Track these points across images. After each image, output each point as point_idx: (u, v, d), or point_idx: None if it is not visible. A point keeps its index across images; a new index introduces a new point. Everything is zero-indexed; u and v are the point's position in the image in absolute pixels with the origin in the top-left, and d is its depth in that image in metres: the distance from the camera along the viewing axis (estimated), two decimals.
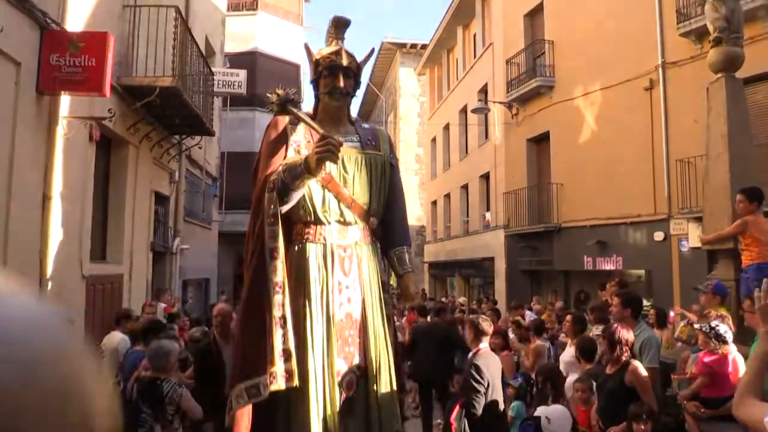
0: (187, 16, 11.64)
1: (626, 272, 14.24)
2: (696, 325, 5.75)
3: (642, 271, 14.58)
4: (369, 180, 3.47)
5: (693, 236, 11.91)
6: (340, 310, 3.32)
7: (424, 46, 30.62)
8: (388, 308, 3.69)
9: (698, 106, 10.38)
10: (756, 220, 6.29)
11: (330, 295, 3.29)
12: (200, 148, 14.22)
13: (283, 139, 3.40)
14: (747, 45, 8.85)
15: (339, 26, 3.55)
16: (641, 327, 5.61)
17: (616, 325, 5.01)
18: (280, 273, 3.14)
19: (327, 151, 2.94)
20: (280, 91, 3.32)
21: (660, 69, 13.76)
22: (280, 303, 3.11)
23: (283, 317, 3.12)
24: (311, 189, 3.32)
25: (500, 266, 20.28)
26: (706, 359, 5.04)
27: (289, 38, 23.62)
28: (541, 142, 18.59)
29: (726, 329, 5.10)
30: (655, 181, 13.54)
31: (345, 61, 3.43)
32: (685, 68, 13.03)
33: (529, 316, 10.88)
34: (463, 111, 24.95)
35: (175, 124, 11.12)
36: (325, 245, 3.34)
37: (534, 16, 19.20)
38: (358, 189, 3.44)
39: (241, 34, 21.79)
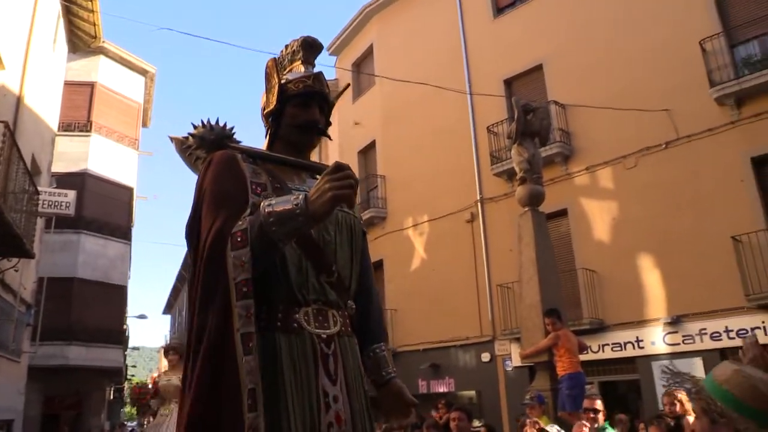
0: (14, 131, 11.16)
1: (458, 394, 14.89)
2: None
3: (473, 392, 15.30)
4: (350, 248, 2.42)
5: (515, 356, 12.91)
6: None
7: None
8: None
9: (513, 236, 11.71)
10: (565, 334, 7.26)
11: (315, 413, 2.12)
12: (16, 270, 13.07)
13: (240, 179, 2.25)
14: (549, 185, 10.40)
15: (310, 49, 2.61)
16: None
17: None
18: (256, 376, 1.98)
19: (347, 187, 1.94)
20: (200, 128, 2.42)
21: (479, 204, 15.41)
22: (255, 426, 1.95)
23: None
24: (287, 252, 2.20)
25: None
26: None
27: (123, 162, 23.15)
28: (375, 270, 19.42)
29: None
30: (480, 304, 14.69)
31: (324, 89, 2.52)
32: (500, 203, 14.72)
33: None
34: None
35: None
36: (302, 336, 2.19)
37: (367, 153, 20.76)
38: (341, 259, 2.37)
39: (72, 154, 21.01)
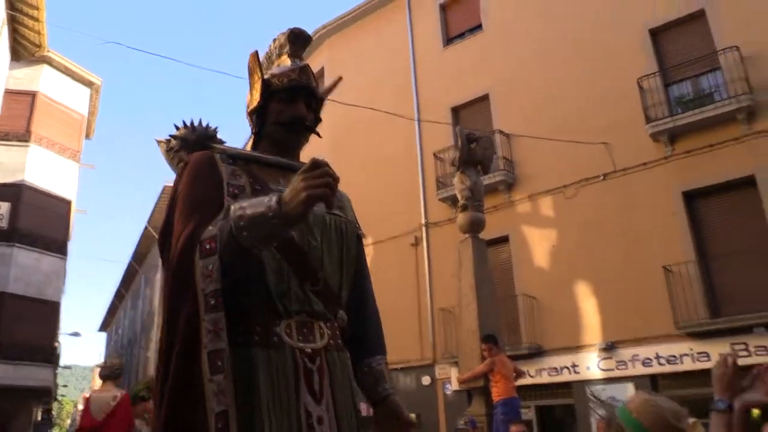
0: None
1: None
2: None
3: (413, 415, 15.31)
4: (340, 254, 2.22)
5: (455, 379, 13.03)
6: None
7: None
8: None
9: (455, 261, 11.90)
10: (501, 360, 7.38)
11: None
12: None
13: (215, 181, 2.08)
14: (492, 212, 10.64)
15: (297, 41, 2.45)
16: None
17: None
18: (227, 397, 1.81)
19: (324, 186, 1.76)
20: (182, 129, 2.28)
21: (423, 228, 15.60)
22: None
23: None
24: (264, 257, 2.00)
25: None
26: None
27: (63, 173, 22.45)
28: None
29: None
30: (422, 328, 14.81)
31: (311, 82, 2.35)
32: (445, 228, 14.94)
33: None
34: None
35: None
36: (283, 351, 1.99)
37: None
38: (329, 265, 2.17)
39: (8, 164, 20.26)
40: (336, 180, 1.78)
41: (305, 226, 2.04)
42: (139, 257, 36.50)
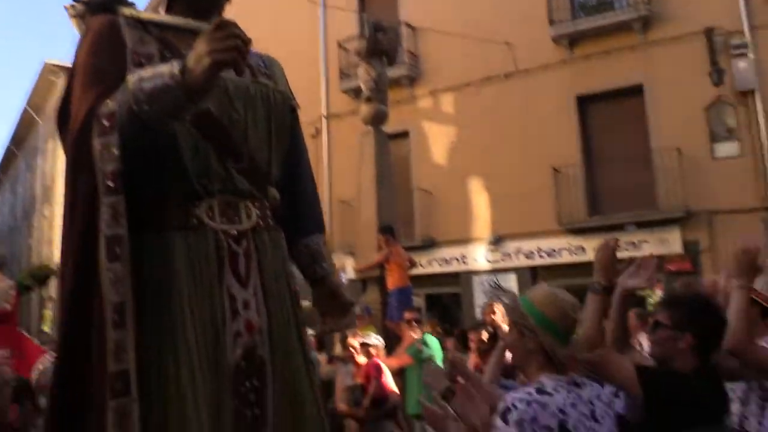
0: None
1: None
2: (354, 342, 6.59)
3: (307, 303, 15.70)
4: (268, 127, 2.00)
5: (350, 269, 13.41)
6: (235, 347, 1.80)
7: None
8: (307, 340, 2.17)
9: (356, 154, 11.91)
10: (397, 250, 7.62)
11: (218, 322, 1.79)
12: None
13: (118, 49, 1.80)
14: (394, 106, 10.60)
15: None
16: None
17: None
18: (125, 287, 1.63)
19: (232, 49, 1.54)
20: None
21: (324, 119, 15.37)
22: (122, 346, 1.61)
23: (125, 375, 1.60)
24: (178, 132, 1.78)
25: None
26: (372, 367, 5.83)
27: None
28: None
29: (375, 341, 6.00)
30: None
31: None
32: (346, 120, 14.79)
33: None
34: None
35: None
36: (204, 234, 1.83)
37: None
38: (254, 140, 1.95)
39: None
40: (246, 42, 1.59)
41: (225, 97, 1.84)
42: (17, 140, 33.77)
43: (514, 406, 1.81)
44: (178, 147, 1.75)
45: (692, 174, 11.53)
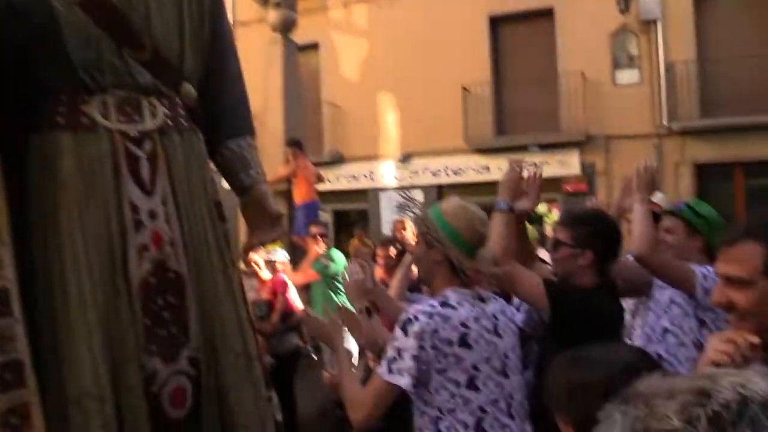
0: None
1: None
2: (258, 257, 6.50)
3: None
4: (178, 13, 1.71)
5: None
6: (141, 261, 1.60)
7: None
8: (229, 252, 1.92)
9: (263, 64, 11.40)
10: (305, 164, 7.48)
11: (115, 235, 1.57)
12: None
13: None
14: (304, 16, 10.11)
15: None
16: None
17: None
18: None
19: None
20: None
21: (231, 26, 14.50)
22: None
23: (4, 293, 1.40)
24: (60, 17, 1.52)
25: None
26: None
27: None
28: None
29: (281, 257, 5.94)
30: None
31: None
32: (253, 28, 14.02)
33: None
34: None
35: None
36: (98, 136, 1.59)
37: None
38: (160, 28, 1.67)
39: None
40: None
41: None
42: None
43: (416, 318, 1.80)
44: (60, 33, 1.53)
45: (594, 99, 11.92)
